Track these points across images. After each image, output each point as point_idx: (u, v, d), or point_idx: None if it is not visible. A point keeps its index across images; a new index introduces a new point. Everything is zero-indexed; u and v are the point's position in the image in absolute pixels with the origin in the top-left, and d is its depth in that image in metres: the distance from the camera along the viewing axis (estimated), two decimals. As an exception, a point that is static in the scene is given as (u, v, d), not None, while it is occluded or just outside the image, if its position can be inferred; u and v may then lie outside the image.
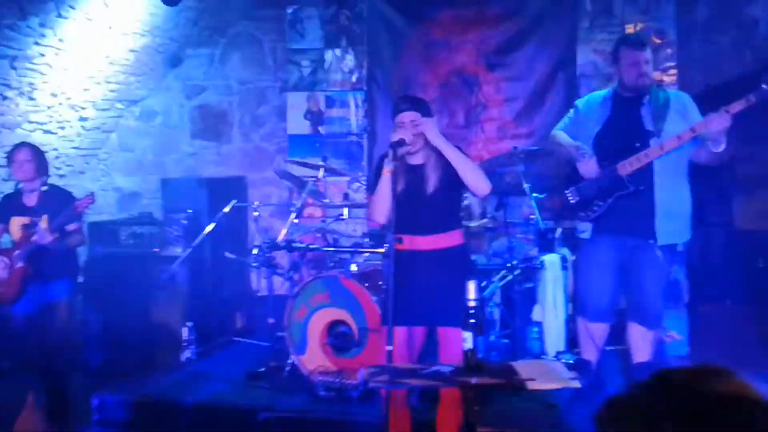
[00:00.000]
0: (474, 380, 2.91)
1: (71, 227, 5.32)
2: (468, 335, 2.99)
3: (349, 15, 7.40)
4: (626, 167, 4.55)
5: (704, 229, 5.56)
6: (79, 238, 5.46)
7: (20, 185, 5.44)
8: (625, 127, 4.64)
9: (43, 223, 5.10)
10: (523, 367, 3.16)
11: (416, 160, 3.98)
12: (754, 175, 6.25)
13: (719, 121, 4.25)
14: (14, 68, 6.01)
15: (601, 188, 4.64)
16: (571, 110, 5.03)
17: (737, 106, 4.22)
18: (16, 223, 5.31)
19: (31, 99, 6.37)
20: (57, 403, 5.17)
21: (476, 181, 3.92)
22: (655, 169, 4.55)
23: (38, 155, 5.44)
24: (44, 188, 5.39)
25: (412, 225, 3.93)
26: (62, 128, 6.98)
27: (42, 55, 6.08)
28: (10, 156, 5.40)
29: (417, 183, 3.96)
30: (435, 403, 4.13)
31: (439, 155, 3.98)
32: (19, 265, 5.22)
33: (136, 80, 7.48)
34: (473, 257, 5.66)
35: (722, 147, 4.38)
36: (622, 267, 4.75)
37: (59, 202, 5.26)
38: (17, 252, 5.24)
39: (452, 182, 3.97)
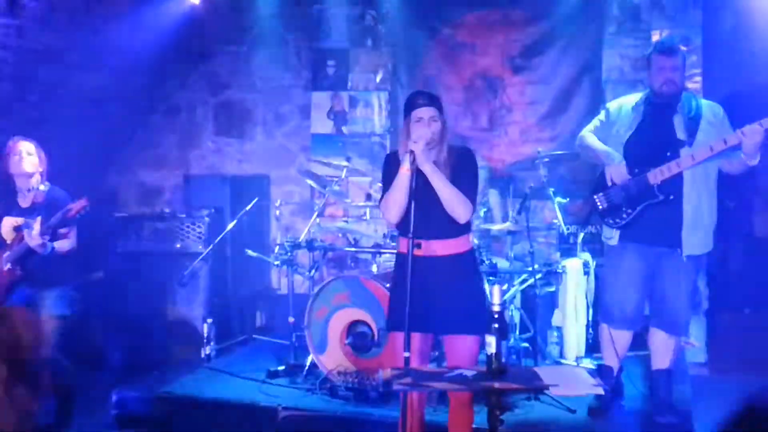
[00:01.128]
0: (497, 385, 2.91)
1: (63, 231, 5.06)
2: (491, 339, 2.99)
3: (374, 15, 7.40)
4: (657, 176, 4.51)
5: (724, 237, 5.55)
6: (69, 242, 5.13)
7: (17, 185, 5.15)
8: (657, 134, 4.60)
9: (36, 225, 4.87)
10: (546, 373, 3.16)
11: (429, 157, 3.80)
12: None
13: (752, 135, 4.23)
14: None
15: (631, 196, 4.61)
16: (602, 112, 4.98)
17: None
18: (9, 223, 5.10)
19: (58, 94, 6.43)
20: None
21: (456, 208, 3.78)
22: (685, 179, 4.51)
23: (39, 151, 5.17)
24: (42, 187, 5.15)
25: (426, 229, 3.79)
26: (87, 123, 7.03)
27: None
28: (9, 149, 5.10)
29: (428, 182, 3.80)
30: (447, 405, 4.10)
31: (450, 152, 3.89)
32: (7, 266, 5.02)
33: (162, 76, 7.52)
34: (495, 261, 5.67)
35: (757, 160, 4.37)
36: (648, 274, 4.72)
37: (56, 205, 5.03)
38: (7, 254, 5.03)
39: (465, 181, 3.87)
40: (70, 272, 5.24)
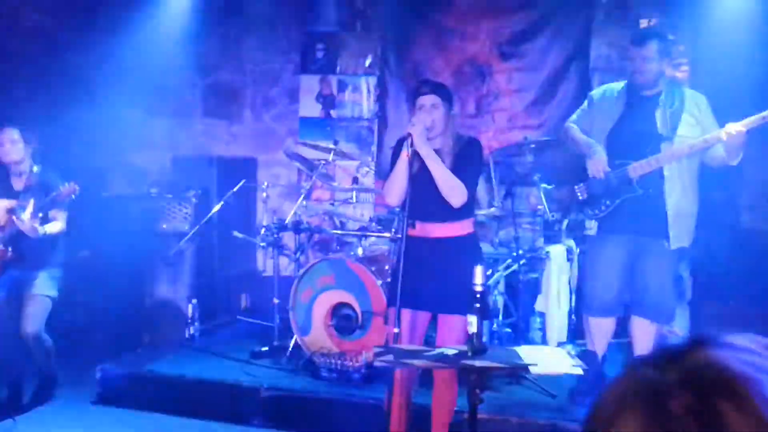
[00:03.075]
0: (478, 363, 2.94)
1: (53, 213, 5.13)
2: (473, 319, 3.02)
3: (364, 0, 7.40)
4: (636, 170, 4.53)
5: (711, 228, 5.58)
6: (59, 225, 5.20)
7: (10, 169, 5.23)
8: (639, 127, 4.60)
9: (29, 207, 4.92)
10: (526, 353, 3.19)
11: (433, 144, 3.94)
12: (762, 176, 6.26)
13: (734, 136, 4.24)
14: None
15: (610, 188, 4.63)
16: (585, 102, 4.98)
17: (753, 122, 4.22)
18: (2, 205, 5.13)
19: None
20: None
21: (449, 192, 3.89)
22: (665, 173, 4.53)
23: (26, 136, 5.20)
24: (35, 169, 5.21)
25: (425, 211, 3.94)
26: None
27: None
28: None
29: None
30: (431, 386, 4.14)
31: (456, 141, 4.01)
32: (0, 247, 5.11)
33: (151, 57, 7.49)
34: (480, 246, 5.68)
35: (737, 160, 4.40)
36: (628, 263, 4.74)
37: (48, 186, 5.10)
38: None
39: (466, 169, 3.97)
40: (58, 254, 5.34)
